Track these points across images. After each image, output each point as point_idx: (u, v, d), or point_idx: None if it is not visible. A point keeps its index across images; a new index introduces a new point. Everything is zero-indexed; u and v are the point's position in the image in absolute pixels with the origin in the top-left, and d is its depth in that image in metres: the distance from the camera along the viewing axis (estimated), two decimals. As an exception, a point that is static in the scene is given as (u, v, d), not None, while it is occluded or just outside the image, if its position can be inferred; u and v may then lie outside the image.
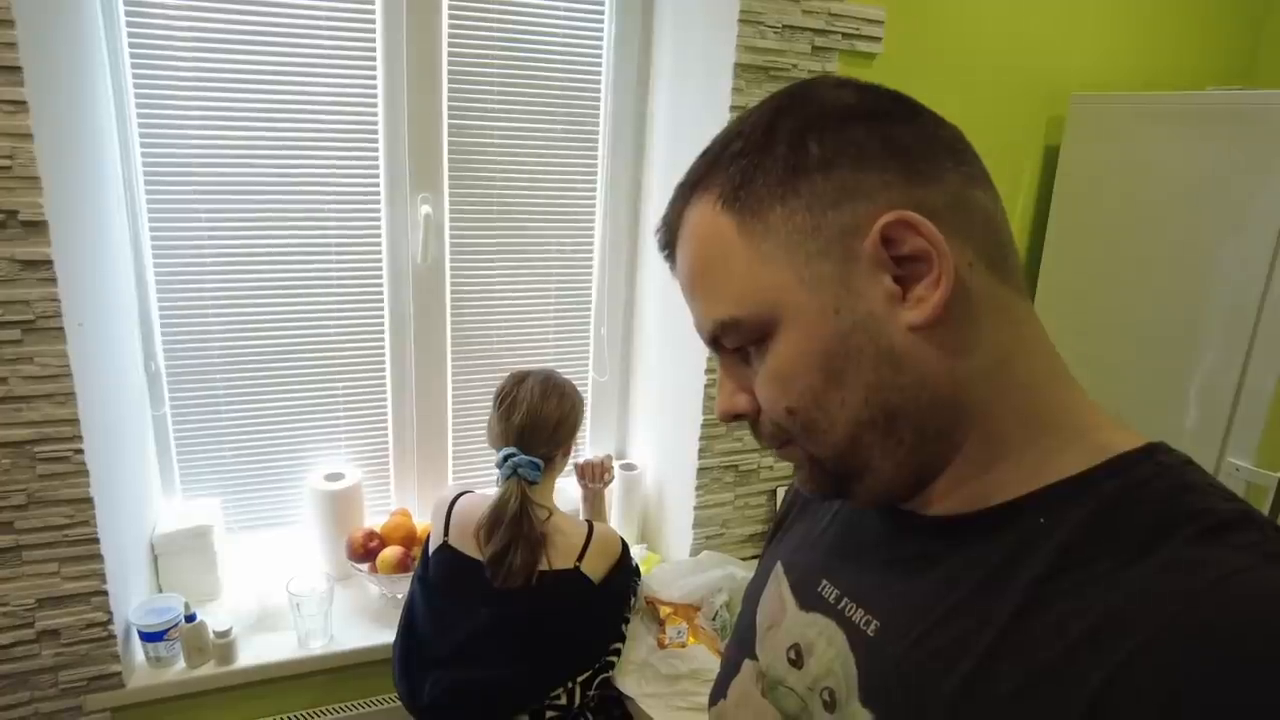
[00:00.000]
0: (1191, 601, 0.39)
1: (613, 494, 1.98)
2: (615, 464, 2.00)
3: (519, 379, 1.49)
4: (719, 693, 0.66)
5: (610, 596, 1.50)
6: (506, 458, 1.44)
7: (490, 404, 1.51)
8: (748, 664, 0.62)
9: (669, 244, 0.56)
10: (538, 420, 1.45)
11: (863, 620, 0.53)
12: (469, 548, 1.43)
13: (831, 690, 0.53)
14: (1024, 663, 0.43)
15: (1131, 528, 0.43)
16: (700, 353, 1.70)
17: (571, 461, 1.61)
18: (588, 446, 2.07)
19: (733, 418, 0.55)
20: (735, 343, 0.53)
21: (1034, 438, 0.49)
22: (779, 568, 0.64)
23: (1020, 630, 0.44)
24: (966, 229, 0.48)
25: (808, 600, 0.59)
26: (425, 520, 1.79)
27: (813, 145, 0.48)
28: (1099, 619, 0.41)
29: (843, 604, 0.55)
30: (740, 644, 0.65)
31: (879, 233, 0.47)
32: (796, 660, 0.57)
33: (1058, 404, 0.50)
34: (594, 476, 1.73)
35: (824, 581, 0.58)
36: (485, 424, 1.53)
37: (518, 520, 1.40)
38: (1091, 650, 0.40)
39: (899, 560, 0.53)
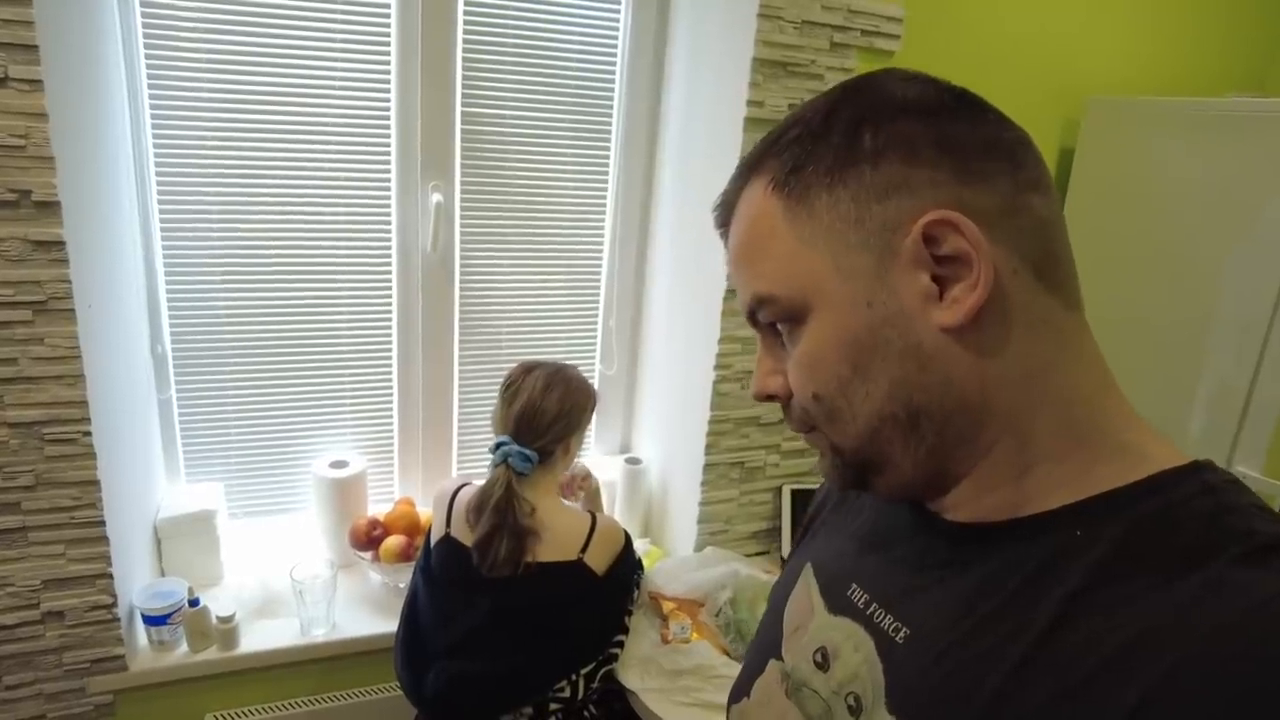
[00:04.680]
0: (1232, 624, 0.38)
1: (617, 487, 1.98)
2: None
3: (527, 368, 1.48)
4: (741, 691, 0.65)
5: (613, 588, 1.50)
6: (499, 445, 1.44)
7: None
8: (773, 664, 0.62)
9: (725, 222, 0.57)
10: (535, 412, 1.43)
11: (891, 627, 0.52)
12: (470, 539, 1.43)
13: (857, 696, 0.53)
14: (1057, 677, 0.42)
15: (1171, 546, 0.43)
16: (709, 349, 1.69)
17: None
18: (593, 439, 2.07)
19: (766, 397, 0.56)
20: (769, 317, 0.53)
21: (1072, 449, 0.48)
22: (808, 569, 0.64)
23: (1053, 644, 0.43)
24: (1015, 235, 0.47)
25: (837, 604, 0.58)
26: (429, 509, 1.79)
27: (866, 136, 0.48)
28: (1135, 636, 0.40)
29: (872, 609, 0.55)
30: (766, 643, 0.65)
31: (920, 230, 0.46)
32: (822, 663, 0.57)
33: (1101, 417, 0.49)
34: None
35: (853, 585, 0.58)
36: (491, 413, 1.52)
37: (501, 508, 1.39)
38: (1127, 667, 0.40)
39: (930, 567, 0.53)
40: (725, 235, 0.57)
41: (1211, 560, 0.41)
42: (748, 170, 0.54)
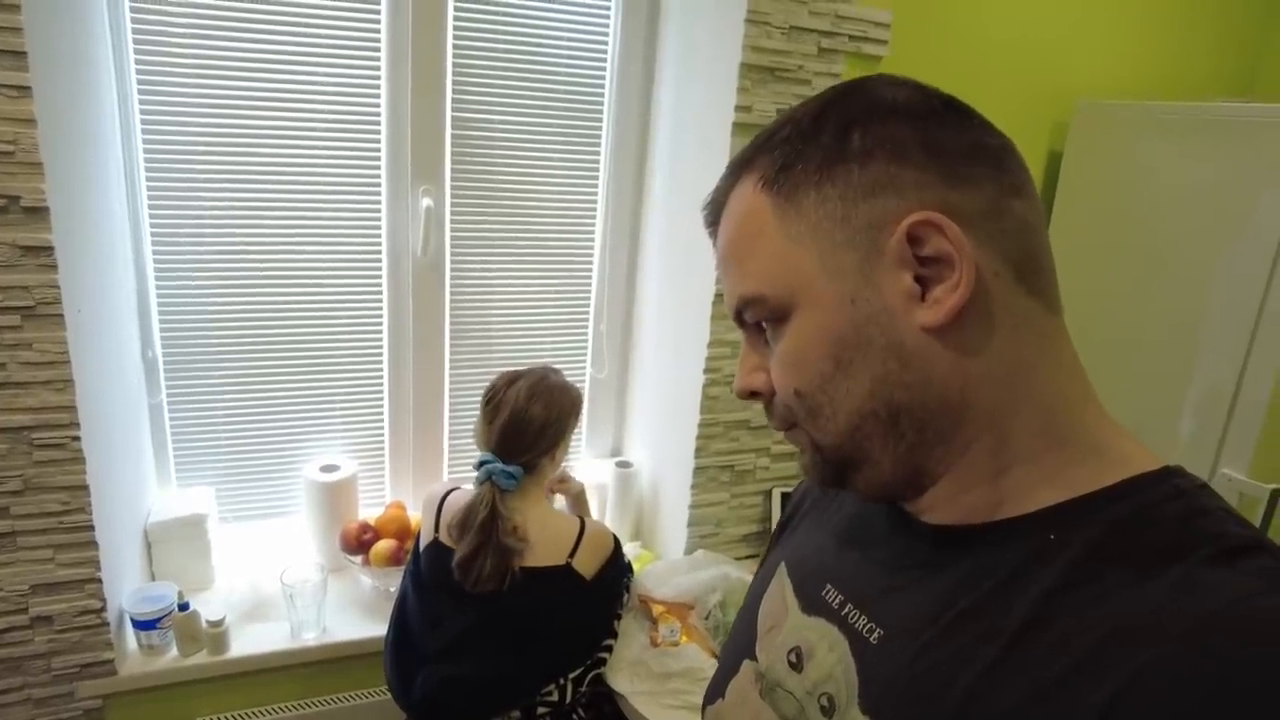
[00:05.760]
0: (1201, 624, 0.39)
1: (608, 491, 1.98)
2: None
3: (509, 380, 1.46)
4: (716, 692, 0.66)
5: (602, 593, 1.50)
6: (483, 463, 1.42)
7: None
8: (747, 664, 0.62)
9: (714, 221, 0.57)
10: (520, 425, 1.42)
11: (866, 628, 0.53)
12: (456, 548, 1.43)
13: (830, 696, 0.53)
14: (1029, 677, 0.43)
15: (1143, 548, 0.43)
16: (699, 352, 1.70)
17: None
18: (584, 442, 2.07)
19: (749, 395, 0.57)
20: (755, 317, 0.54)
21: (1048, 452, 0.49)
22: (782, 568, 0.64)
23: (1026, 644, 0.44)
24: (998, 237, 0.48)
25: (811, 604, 0.59)
26: (420, 513, 1.79)
27: (855, 137, 0.49)
28: (1106, 635, 0.41)
29: (846, 610, 0.55)
30: (739, 643, 0.65)
31: (905, 230, 0.47)
32: (796, 664, 0.57)
33: (1076, 421, 0.50)
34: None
35: (828, 585, 0.58)
36: (474, 427, 1.51)
37: (485, 527, 1.38)
38: (1098, 666, 0.40)
39: (905, 568, 0.53)
40: (714, 234, 0.58)
41: (1182, 561, 0.41)
42: (738, 169, 0.55)
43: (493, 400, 1.45)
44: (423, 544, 1.48)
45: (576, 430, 1.55)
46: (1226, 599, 0.39)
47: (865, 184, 0.48)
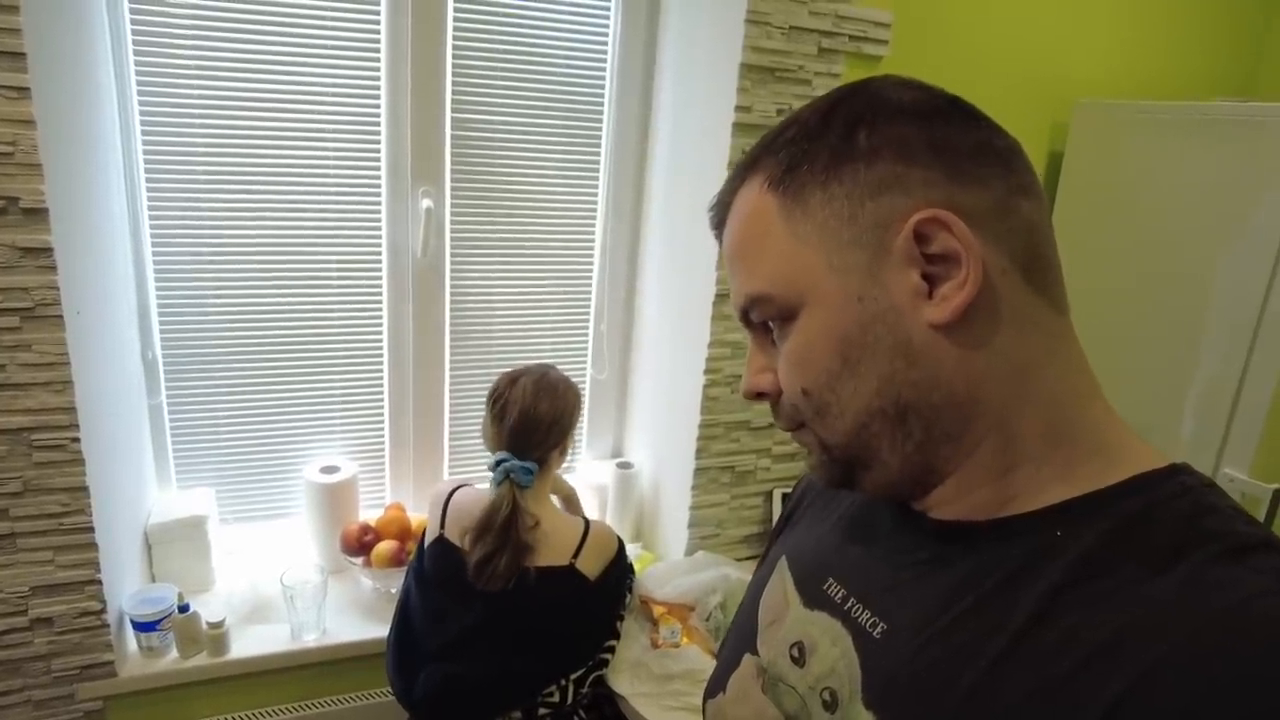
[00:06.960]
0: (1211, 622, 0.39)
1: (608, 492, 1.98)
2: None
3: (512, 379, 1.47)
4: (717, 686, 0.66)
5: (605, 594, 1.50)
6: (499, 463, 1.43)
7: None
8: (748, 658, 0.62)
9: (720, 223, 0.57)
10: (531, 422, 1.42)
11: (869, 622, 0.53)
12: (464, 542, 1.42)
13: (833, 690, 0.53)
14: (1034, 672, 0.43)
15: (1151, 545, 0.43)
16: (699, 353, 1.70)
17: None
18: (585, 444, 2.07)
19: (755, 395, 0.56)
20: (762, 317, 0.54)
21: (1055, 450, 0.49)
22: (783, 562, 0.64)
23: (1031, 639, 0.44)
24: (1005, 236, 0.48)
25: (813, 598, 0.59)
26: (420, 514, 1.79)
27: (861, 136, 0.49)
28: (1114, 632, 0.41)
29: (849, 604, 0.55)
30: (740, 637, 0.65)
31: (912, 228, 0.47)
32: (799, 658, 0.57)
33: (1084, 419, 0.50)
34: None
35: (830, 580, 0.58)
36: (483, 419, 1.52)
37: (506, 527, 1.38)
38: (1106, 663, 0.40)
39: (910, 563, 0.53)
40: (720, 236, 0.58)
41: (1191, 559, 0.41)
42: (744, 171, 0.55)
43: (499, 401, 1.45)
44: (428, 540, 1.47)
45: (579, 425, 1.55)
46: (1236, 597, 0.39)
47: (872, 183, 0.48)
